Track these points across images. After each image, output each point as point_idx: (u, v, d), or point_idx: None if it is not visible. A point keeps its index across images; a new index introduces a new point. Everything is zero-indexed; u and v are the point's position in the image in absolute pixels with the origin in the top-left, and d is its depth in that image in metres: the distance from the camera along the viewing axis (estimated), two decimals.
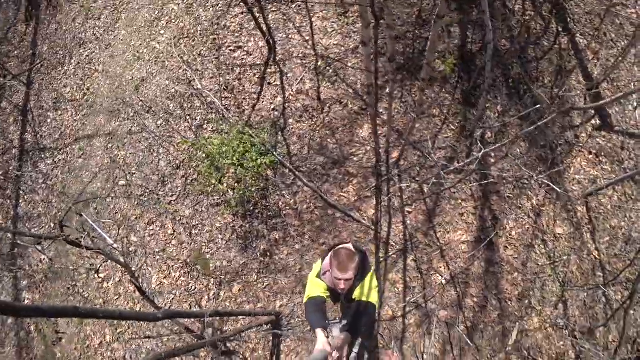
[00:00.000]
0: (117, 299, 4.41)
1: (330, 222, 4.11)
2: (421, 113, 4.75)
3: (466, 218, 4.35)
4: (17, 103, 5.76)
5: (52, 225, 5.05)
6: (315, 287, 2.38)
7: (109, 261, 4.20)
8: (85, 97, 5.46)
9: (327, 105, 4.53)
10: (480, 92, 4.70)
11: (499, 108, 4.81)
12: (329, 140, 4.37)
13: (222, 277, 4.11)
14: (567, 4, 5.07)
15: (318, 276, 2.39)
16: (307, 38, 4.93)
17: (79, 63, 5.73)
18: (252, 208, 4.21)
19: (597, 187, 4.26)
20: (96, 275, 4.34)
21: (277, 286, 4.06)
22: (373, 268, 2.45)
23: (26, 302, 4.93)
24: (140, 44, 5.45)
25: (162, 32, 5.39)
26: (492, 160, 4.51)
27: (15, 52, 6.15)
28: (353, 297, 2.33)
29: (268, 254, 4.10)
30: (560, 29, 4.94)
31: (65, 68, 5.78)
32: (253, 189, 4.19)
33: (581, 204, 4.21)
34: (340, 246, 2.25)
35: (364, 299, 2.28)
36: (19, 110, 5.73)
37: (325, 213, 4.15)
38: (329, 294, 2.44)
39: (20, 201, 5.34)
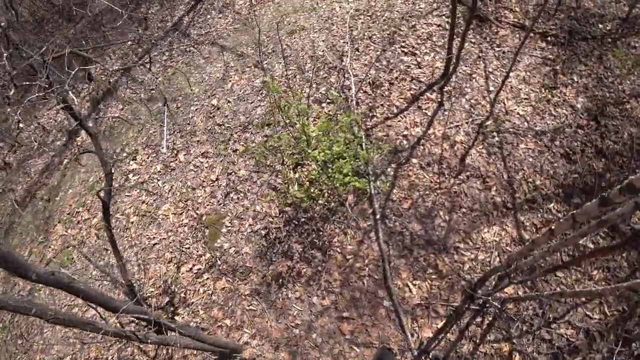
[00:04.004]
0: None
1: (372, 304, 2.70)
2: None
3: None
4: None
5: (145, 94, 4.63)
6: None
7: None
8: (248, 16, 4.97)
9: (467, 173, 3.11)
10: None
11: None
12: (441, 212, 2.94)
13: (218, 261, 3.03)
14: None
15: None
16: (492, 89, 3.58)
17: None
18: (302, 220, 3.03)
19: None
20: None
21: (260, 320, 2.81)
22: None
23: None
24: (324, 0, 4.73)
25: (350, 0, 4.58)
26: None
27: None
28: None
29: (280, 280, 2.88)
30: None
31: None
32: (320, 202, 3.02)
33: None
34: None
35: None
36: None
37: (374, 289, 2.75)
38: None
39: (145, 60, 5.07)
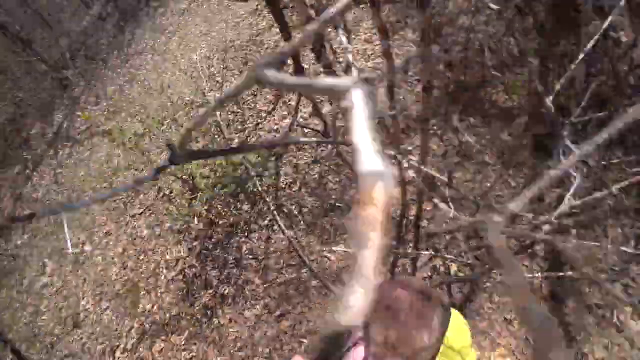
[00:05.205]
0: None
1: (300, 291, 2.62)
2: (464, 156, 3.17)
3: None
4: (71, 95, 5.72)
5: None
6: None
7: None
8: (121, 99, 5.12)
9: (343, 134, 3.28)
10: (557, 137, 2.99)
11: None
12: (329, 177, 3.03)
13: (148, 325, 2.83)
14: None
15: None
16: (340, 58, 3.90)
17: (131, 67, 5.56)
18: (210, 247, 2.97)
19: None
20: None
21: None
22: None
23: None
24: (182, 55, 5.05)
25: (203, 45, 4.93)
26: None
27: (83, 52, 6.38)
28: None
29: (209, 311, 2.73)
30: None
31: (119, 70, 5.65)
32: (221, 222, 2.99)
33: None
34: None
35: None
36: (71, 101, 5.66)
37: (297, 275, 2.69)
38: None
39: (36, 178, 4.95)
